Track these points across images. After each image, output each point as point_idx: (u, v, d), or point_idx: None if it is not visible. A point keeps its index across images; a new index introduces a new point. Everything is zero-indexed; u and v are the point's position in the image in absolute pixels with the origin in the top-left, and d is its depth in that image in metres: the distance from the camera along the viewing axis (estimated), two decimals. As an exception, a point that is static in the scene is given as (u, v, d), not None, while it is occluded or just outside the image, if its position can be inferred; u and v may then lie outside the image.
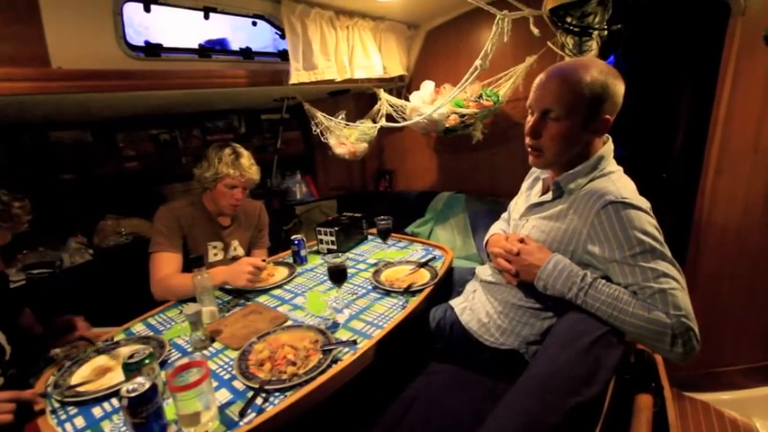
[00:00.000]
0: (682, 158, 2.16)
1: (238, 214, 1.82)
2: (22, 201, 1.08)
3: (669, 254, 0.88)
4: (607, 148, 1.04)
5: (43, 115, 1.70)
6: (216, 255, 1.73)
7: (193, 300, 1.33)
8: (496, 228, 1.36)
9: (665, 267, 0.86)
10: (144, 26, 1.70)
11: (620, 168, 1.05)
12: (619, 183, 0.97)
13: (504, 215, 1.41)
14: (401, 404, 1.08)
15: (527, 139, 1.06)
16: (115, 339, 1.25)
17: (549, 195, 1.08)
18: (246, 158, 1.66)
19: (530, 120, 1.04)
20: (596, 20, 1.51)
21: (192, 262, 1.30)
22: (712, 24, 1.63)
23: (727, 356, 1.79)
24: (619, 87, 0.96)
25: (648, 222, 0.89)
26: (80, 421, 0.90)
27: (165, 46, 1.63)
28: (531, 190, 1.24)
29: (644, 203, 0.93)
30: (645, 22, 1.81)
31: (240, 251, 1.81)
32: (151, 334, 1.27)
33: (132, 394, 0.77)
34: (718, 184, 1.66)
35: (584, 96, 0.94)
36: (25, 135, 1.91)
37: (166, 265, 1.53)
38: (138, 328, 1.33)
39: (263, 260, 1.49)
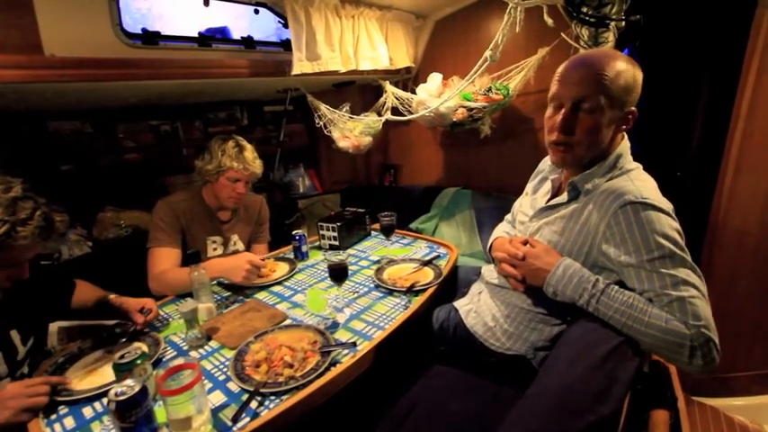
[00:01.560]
0: (698, 156, 2.08)
1: (238, 208, 1.79)
2: (62, 214, 1.04)
3: (690, 259, 0.82)
4: (624, 144, 0.98)
5: (39, 104, 1.67)
6: (215, 249, 1.70)
7: (191, 295, 1.30)
8: (500, 230, 1.31)
9: (685, 274, 0.81)
10: (141, 12, 1.65)
11: (640, 166, 0.99)
12: (638, 181, 0.91)
13: (508, 217, 1.36)
14: (402, 408, 1.04)
15: (554, 135, 0.96)
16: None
17: (563, 197, 1.03)
18: (250, 152, 1.64)
19: (552, 113, 0.95)
20: (614, 10, 1.44)
21: (190, 258, 1.27)
22: (736, 16, 1.55)
23: (739, 362, 1.73)
24: (641, 78, 0.91)
25: (670, 226, 0.84)
26: (70, 422, 0.88)
27: (163, 34, 1.58)
28: (537, 191, 1.19)
29: (666, 205, 0.87)
30: (665, 13, 1.73)
31: (240, 246, 1.78)
32: (147, 330, 1.24)
33: (120, 398, 0.74)
34: (736, 183, 1.58)
35: (619, 86, 0.88)
36: (24, 125, 1.88)
37: (164, 261, 1.50)
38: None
39: (263, 258, 1.46)
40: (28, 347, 1.11)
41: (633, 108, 0.92)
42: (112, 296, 1.27)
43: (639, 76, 0.90)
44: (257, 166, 1.66)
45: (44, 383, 0.91)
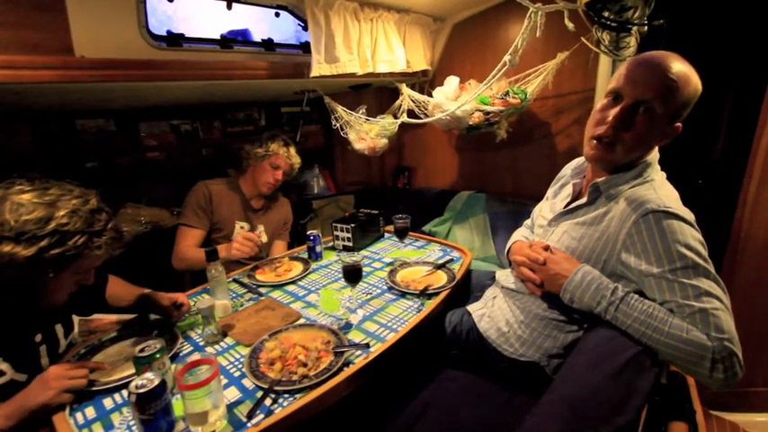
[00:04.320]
0: (721, 165, 2.03)
1: (270, 204, 1.97)
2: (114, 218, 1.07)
3: (713, 271, 0.80)
4: (654, 154, 0.96)
5: (67, 103, 1.72)
6: None
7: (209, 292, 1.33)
8: (519, 235, 1.30)
9: (707, 285, 0.79)
10: (167, 15, 1.70)
11: (664, 174, 0.97)
12: (661, 190, 0.90)
13: (527, 222, 1.34)
14: (413, 411, 1.04)
15: (602, 129, 0.91)
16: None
17: (583, 199, 1.01)
18: (293, 149, 1.92)
19: (606, 106, 0.91)
20: (636, 14, 1.42)
21: (207, 255, 1.29)
22: (763, 21, 1.51)
23: (761, 377, 1.68)
24: (699, 95, 0.88)
25: (693, 236, 0.82)
26: (91, 412, 0.90)
27: (187, 36, 1.62)
28: (557, 196, 1.17)
29: (688, 214, 0.85)
30: (689, 17, 1.69)
31: (264, 237, 1.88)
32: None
33: (140, 390, 0.76)
34: (761, 193, 1.54)
35: (681, 99, 0.85)
36: (53, 123, 1.95)
37: (188, 238, 1.71)
38: (153, 317, 1.33)
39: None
40: (68, 340, 1.15)
41: (679, 124, 0.89)
42: (147, 291, 1.30)
43: (699, 91, 0.87)
44: (297, 161, 1.93)
45: (82, 367, 0.95)
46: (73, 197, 0.95)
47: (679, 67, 0.84)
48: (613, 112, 0.89)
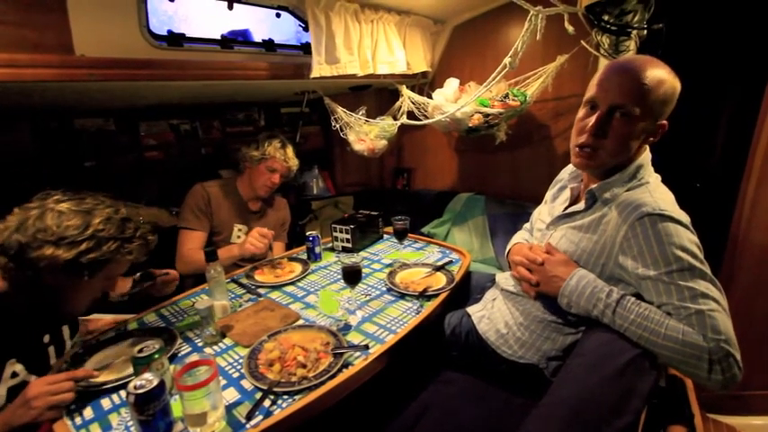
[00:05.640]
0: (719, 167, 2.04)
1: (267, 206, 1.95)
2: (153, 234, 1.14)
3: (710, 272, 0.81)
4: (646, 155, 0.96)
5: (67, 102, 1.72)
6: (239, 237, 1.82)
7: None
8: (519, 237, 1.30)
9: (704, 287, 0.79)
10: (168, 14, 1.71)
11: (658, 176, 0.98)
12: (656, 193, 0.90)
13: (527, 225, 1.35)
14: (412, 413, 1.04)
15: (583, 137, 0.94)
16: (129, 328, 1.25)
17: (580, 205, 1.02)
18: (291, 150, 1.88)
19: (585, 115, 0.94)
20: (636, 18, 1.43)
21: (207, 256, 1.29)
22: (763, 24, 1.52)
23: (759, 380, 1.68)
24: (678, 91, 0.90)
25: (688, 238, 0.82)
26: (89, 412, 0.90)
27: (187, 36, 1.62)
28: (556, 199, 1.18)
29: (683, 217, 0.86)
30: (689, 21, 1.70)
31: None
32: (163, 325, 1.27)
33: (139, 391, 0.76)
34: (759, 196, 1.54)
35: (657, 97, 0.87)
36: (52, 121, 1.94)
37: (189, 241, 1.71)
38: (151, 318, 1.33)
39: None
40: (73, 341, 1.15)
41: (665, 121, 0.91)
42: (135, 276, 1.34)
43: (678, 88, 0.89)
44: (294, 163, 1.89)
45: (68, 379, 0.90)
46: (105, 206, 1.02)
47: (650, 70, 0.86)
48: (591, 120, 0.92)
